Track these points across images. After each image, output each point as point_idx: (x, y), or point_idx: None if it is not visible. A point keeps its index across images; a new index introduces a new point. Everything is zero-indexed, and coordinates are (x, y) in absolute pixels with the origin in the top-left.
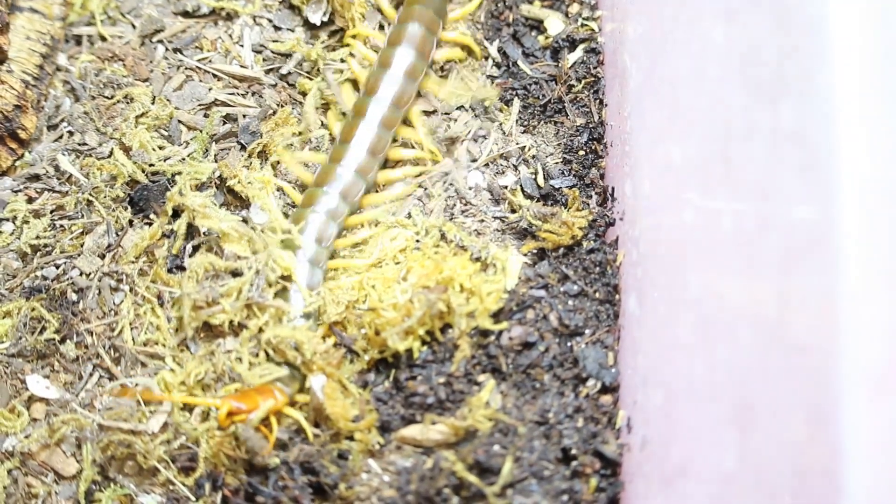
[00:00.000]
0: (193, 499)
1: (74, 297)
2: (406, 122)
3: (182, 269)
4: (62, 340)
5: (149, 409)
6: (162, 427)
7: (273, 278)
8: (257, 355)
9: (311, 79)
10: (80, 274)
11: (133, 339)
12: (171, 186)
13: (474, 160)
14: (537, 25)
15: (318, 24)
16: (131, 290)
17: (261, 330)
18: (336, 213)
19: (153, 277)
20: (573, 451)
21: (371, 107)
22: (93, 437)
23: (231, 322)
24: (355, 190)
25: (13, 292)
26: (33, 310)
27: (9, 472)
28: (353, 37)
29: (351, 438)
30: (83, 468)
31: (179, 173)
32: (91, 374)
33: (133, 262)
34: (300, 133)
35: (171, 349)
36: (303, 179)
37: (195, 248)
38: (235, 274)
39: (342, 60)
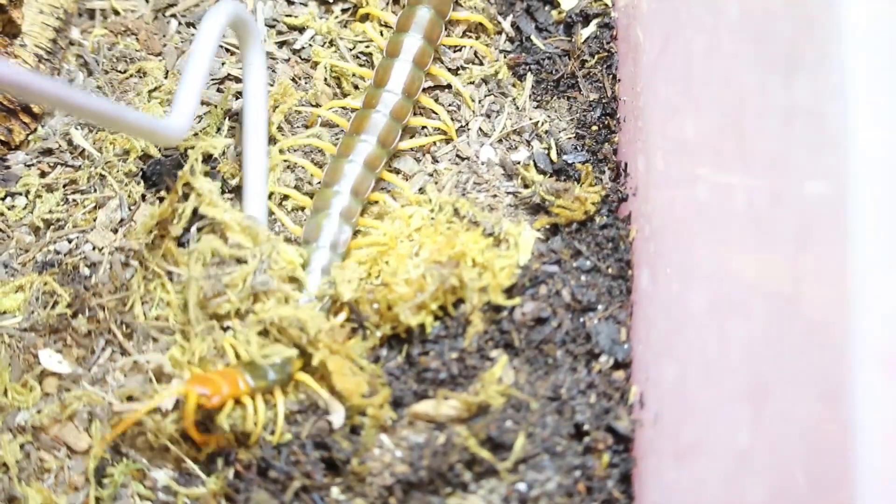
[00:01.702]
0: (205, 474)
1: (87, 271)
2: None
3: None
4: (74, 315)
5: (162, 385)
6: (175, 405)
7: (277, 268)
8: (264, 333)
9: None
10: (93, 248)
11: (144, 314)
12: (184, 161)
13: (486, 135)
14: (550, 0)
15: (331, 0)
16: (142, 264)
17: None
18: (349, 212)
19: (163, 253)
20: (586, 427)
21: (382, 97)
22: (104, 415)
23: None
24: (366, 185)
25: (26, 266)
26: (45, 284)
27: (21, 446)
28: (367, 16)
29: (363, 414)
30: (95, 444)
31: (192, 148)
32: (104, 349)
33: (145, 237)
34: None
35: (182, 324)
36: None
37: (200, 230)
38: (240, 260)
39: (356, 36)
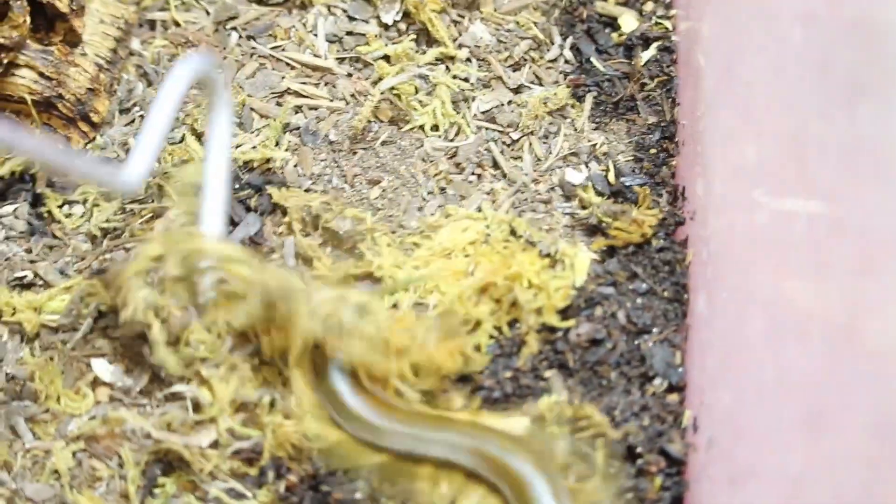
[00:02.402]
0: (256, 487)
1: None
2: None
3: None
4: (118, 323)
5: (197, 416)
6: (213, 443)
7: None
8: None
9: (391, 64)
10: None
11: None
12: (242, 174)
13: (544, 157)
14: (611, 22)
15: (391, 23)
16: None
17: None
18: None
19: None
20: (638, 450)
21: None
22: (143, 442)
23: None
24: None
25: (81, 274)
26: (92, 286)
27: (73, 454)
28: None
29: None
30: (129, 469)
31: (251, 160)
32: (143, 365)
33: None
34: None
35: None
36: None
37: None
38: None
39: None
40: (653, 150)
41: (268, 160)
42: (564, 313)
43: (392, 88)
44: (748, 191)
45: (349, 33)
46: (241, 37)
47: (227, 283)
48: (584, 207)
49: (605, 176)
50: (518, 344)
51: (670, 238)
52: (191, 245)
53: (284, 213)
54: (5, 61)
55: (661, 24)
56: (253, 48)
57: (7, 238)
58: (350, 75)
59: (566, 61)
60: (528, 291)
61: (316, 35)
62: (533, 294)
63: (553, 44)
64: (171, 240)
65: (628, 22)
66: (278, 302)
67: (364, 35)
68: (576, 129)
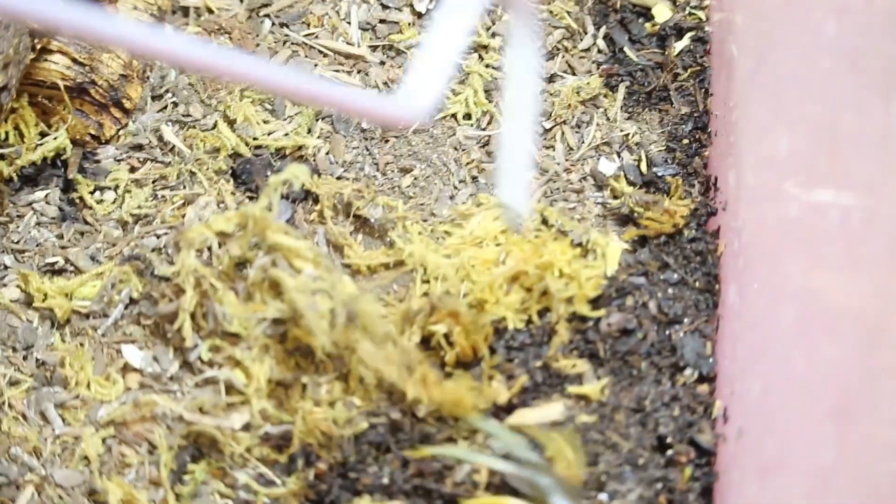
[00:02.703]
0: (286, 475)
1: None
2: None
3: None
4: (148, 309)
5: (229, 398)
6: (244, 426)
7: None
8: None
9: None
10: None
11: (199, 325)
12: (274, 161)
13: (576, 146)
14: (645, 12)
15: (424, 11)
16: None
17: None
18: None
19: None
20: (669, 440)
21: None
22: (174, 426)
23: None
24: None
25: (112, 260)
26: (124, 273)
27: (103, 440)
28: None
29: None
30: (162, 453)
31: (283, 147)
32: (175, 351)
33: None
34: None
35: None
36: None
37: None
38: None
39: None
40: (685, 141)
41: (300, 147)
42: (595, 303)
43: None
44: (780, 182)
45: (382, 21)
46: (274, 24)
47: (276, 268)
48: (615, 197)
49: (638, 166)
50: (549, 333)
51: (702, 228)
52: (264, 233)
53: (316, 200)
54: (38, 46)
55: (694, 14)
56: (286, 35)
57: (38, 224)
58: (383, 63)
59: (599, 51)
60: (560, 280)
61: (349, 23)
62: (564, 283)
63: (586, 33)
64: (244, 220)
65: (662, 12)
66: (303, 316)
67: (397, 23)
68: (608, 119)
